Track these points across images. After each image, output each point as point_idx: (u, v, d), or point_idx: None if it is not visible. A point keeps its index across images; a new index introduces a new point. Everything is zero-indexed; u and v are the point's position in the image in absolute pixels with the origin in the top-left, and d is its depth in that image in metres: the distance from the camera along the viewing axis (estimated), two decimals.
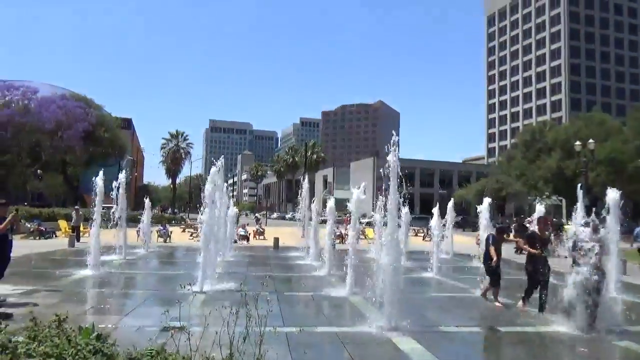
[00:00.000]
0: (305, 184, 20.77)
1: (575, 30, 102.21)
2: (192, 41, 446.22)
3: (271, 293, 10.70)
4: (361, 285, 10.50)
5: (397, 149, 8.25)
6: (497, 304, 10.21)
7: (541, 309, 9.17)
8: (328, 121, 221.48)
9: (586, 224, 8.83)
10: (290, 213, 78.06)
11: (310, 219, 19.74)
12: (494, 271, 10.18)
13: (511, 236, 13.71)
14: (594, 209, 9.94)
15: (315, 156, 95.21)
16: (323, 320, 8.40)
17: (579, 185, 9.32)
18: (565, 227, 23.85)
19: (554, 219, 30.92)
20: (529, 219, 26.03)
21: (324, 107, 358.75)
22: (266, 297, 10.02)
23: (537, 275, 9.25)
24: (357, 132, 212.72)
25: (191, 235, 28.05)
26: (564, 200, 55.08)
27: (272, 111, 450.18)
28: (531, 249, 9.35)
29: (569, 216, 13.64)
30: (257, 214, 65.93)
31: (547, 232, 9.82)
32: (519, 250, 18.54)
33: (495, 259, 10.01)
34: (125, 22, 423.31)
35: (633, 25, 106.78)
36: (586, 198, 32.39)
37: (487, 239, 10.52)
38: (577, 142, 34.41)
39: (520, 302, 9.86)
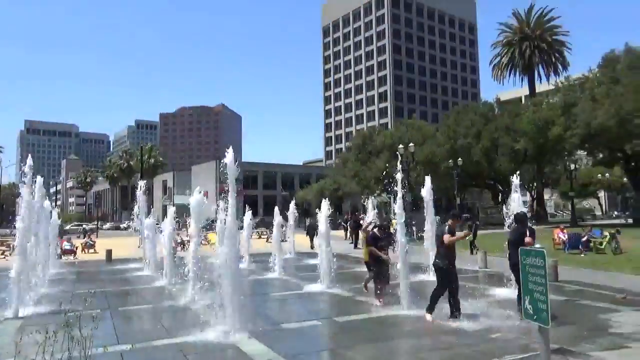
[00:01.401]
0: (142, 189, 19.46)
1: (397, 46, 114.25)
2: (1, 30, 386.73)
3: (104, 310, 9.83)
4: (204, 291, 10.25)
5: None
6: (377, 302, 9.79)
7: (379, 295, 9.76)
8: (167, 124, 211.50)
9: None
10: (126, 222, 72.39)
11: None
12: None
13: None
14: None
15: (153, 160, 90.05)
16: (163, 333, 7.95)
17: (399, 184, 10.06)
18: (393, 221, 26.48)
19: (385, 214, 34.04)
20: (362, 215, 28.23)
21: (162, 109, 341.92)
22: (98, 315, 9.16)
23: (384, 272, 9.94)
24: (198, 135, 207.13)
25: (2, 254, 24.22)
26: (392, 198, 61.03)
27: (103, 112, 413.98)
28: (380, 255, 9.97)
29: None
30: (84, 225, 59.55)
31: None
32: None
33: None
34: None
35: (442, 44, 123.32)
36: (409, 194, 36.47)
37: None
38: (400, 146, 38.48)
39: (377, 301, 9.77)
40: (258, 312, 9.44)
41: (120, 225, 78.59)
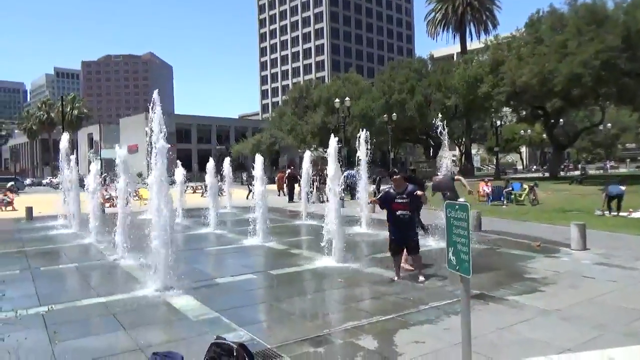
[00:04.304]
0: (64, 142, 18.22)
1: None
2: None
3: (23, 271, 9.29)
4: (135, 249, 9.93)
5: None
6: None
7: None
8: (90, 72, 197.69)
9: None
10: (48, 178, 68.12)
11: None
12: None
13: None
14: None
15: (76, 112, 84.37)
16: (90, 292, 7.65)
17: (333, 138, 10.02)
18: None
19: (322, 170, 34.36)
20: (291, 169, 28.38)
21: (84, 57, 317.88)
22: (16, 276, 8.65)
23: None
24: (126, 85, 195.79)
25: None
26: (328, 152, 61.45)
27: (16, 59, 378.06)
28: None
29: None
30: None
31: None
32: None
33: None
34: None
35: None
36: (344, 149, 36.93)
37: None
38: (337, 100, 38.47)
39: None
40: (191, 268, 9.31)
41: (42, 182, 73.42)
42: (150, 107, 7.51)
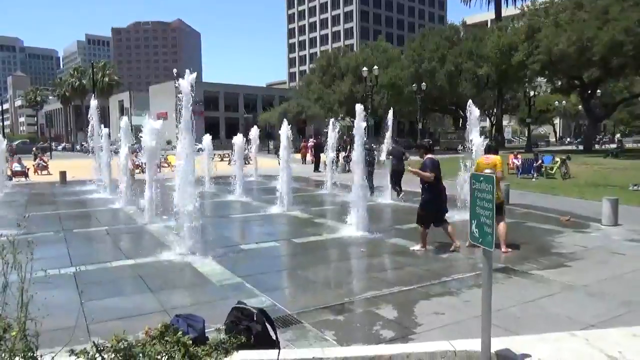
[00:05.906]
0: (94, 108, 18.55)
1: None
2: None
3: (57, 232, 9.64)
4: (162, 213, 10.17)
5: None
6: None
7: None
8: (120, 40, 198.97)
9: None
10: (81, 143, 69.86)
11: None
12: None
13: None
14: None
15: (107, 79, 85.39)
16: (119, 255, 7.89)
17: (363, 107, 9.88)
18: None
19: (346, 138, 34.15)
20: (318, 138, 28.27)
21: (114, 24, 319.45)
22: (50, 237, 8.96)
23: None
24: (155, 52, 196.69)
25: None
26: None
27: (48, 26, 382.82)
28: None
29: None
30: (36, 146, 56.98)
31: None
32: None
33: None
34: None
35: None
36: (372, 119, 36.46)
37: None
38: (365, 68, 37.76)
39: None
40: (217, 234, 9.49)
41: (76, 147, 75.24)
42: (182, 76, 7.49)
